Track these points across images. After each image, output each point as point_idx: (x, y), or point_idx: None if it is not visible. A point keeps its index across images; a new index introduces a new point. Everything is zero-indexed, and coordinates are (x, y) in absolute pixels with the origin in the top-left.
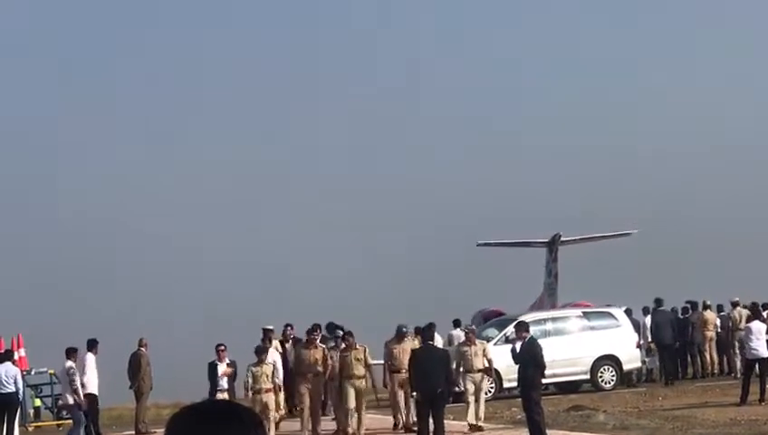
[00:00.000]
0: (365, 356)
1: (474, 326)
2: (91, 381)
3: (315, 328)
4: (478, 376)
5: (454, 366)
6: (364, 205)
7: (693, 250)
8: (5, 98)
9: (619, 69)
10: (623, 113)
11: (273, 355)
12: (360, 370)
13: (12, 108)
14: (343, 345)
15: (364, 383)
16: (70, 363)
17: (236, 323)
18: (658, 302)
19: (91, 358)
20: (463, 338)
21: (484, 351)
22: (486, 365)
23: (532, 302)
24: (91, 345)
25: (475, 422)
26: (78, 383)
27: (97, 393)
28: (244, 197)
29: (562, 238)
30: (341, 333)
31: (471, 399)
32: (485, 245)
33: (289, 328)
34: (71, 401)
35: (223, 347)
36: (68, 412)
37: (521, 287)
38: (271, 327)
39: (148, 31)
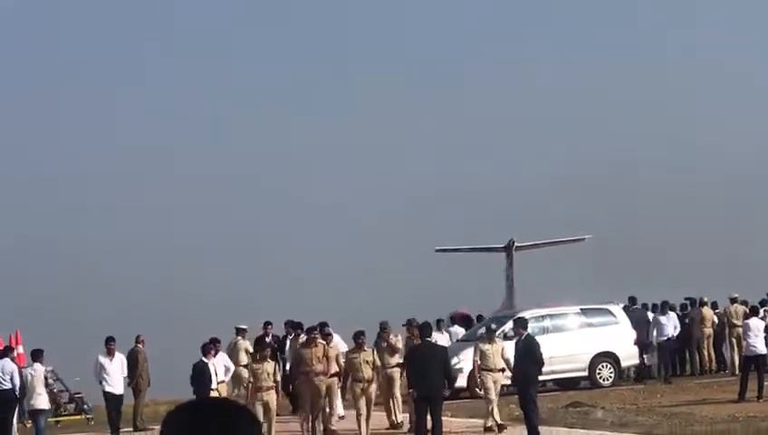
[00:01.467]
0: (374, 358)
1: (493, 326)
2: (115, 379)
3: (315, 327)
4: (498, 375)
5: (453, 362)
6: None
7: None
8: None
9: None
10: None
11: (224, 359)
12: (368, 372)
13: None
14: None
15: (372, 386)
16: (44, 367)
17: (232, 321)
18: (632, 300)
19: (103, 358)
20: (461, 335)
21: (502, 350)
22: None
23: (499, 304)
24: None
25: (499, 421)
26: (56, 388)
27: (114, 392)
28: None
29: (517, 244)
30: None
31: (492, 397)
32: (443, 250)
33: (269, 326)
34: (45, 405)
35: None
36: (34, 418)
37: (483, 290)
38: (245, 327)
39: None
